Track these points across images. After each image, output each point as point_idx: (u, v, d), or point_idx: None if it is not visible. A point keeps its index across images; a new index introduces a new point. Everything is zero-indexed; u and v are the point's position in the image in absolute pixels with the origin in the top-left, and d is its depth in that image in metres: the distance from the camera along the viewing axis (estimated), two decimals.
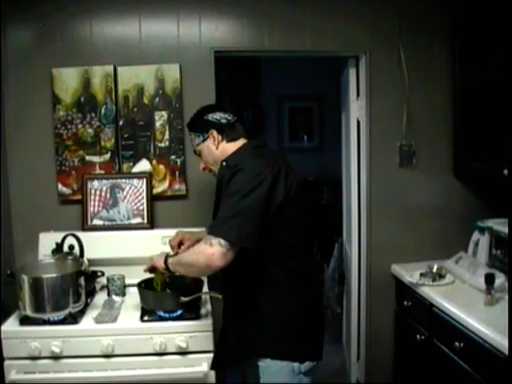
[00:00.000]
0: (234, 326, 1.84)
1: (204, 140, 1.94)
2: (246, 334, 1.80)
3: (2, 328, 1.99)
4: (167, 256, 1.90)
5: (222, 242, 1.62)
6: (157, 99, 2.57)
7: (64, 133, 2.55)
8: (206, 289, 2.15)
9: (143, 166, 2.61)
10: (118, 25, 2.56)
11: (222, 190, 1.83)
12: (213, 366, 1.94)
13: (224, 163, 1.88)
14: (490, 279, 2.11)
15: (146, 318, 2.07)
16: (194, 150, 2.02)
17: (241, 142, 1.93)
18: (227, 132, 1.93)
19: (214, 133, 1.91)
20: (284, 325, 1.77)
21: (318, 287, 2.00)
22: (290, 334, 1.78)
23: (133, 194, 2.58)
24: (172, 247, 2.21)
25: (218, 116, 1.94)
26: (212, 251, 1.62)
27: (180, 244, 2.21)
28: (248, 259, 1.70)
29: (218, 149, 1.92)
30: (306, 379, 1.80)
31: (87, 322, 2.05)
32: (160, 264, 1.90)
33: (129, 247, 2.46)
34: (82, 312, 2.10)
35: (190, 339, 2.01)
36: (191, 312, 2.07)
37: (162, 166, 2.61)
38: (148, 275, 2.08)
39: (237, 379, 2.11)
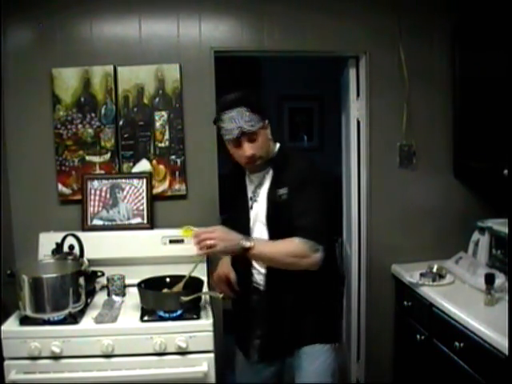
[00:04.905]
0: (290, 316, 1.89)
1: (263, 127, 1.82)
2: (303, 324, 1.89)
3: (2, 328, 1.99)
4: (249, 240, 1.72)
5: (321, 248, 1.75)
6: (157, 99, 2.57)
7: (64, 133, 2.55)
8: (205, 289, 2.15)
9: (143, 166, 2.61)
10: (118, 25, 2.56)
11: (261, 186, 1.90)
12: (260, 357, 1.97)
13: (273, 162, 1.88)
14: (490, 279, 2.11)
15: (145, 318, 2.07)
16: (242, 131, 1.74)
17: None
18: None
19: (268, 124, 1.86)
20: (333, 314, 2.00)
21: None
22: (337, 321, 2.06)
23: (133, 194, 2.58)
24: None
25: None
26: (318, 257, 1.75)
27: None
28: None
29: (272, 141, 1.90)
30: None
31: (87, 322, 2.05)
32: (232, 244, 1.70)
33: (129, 247, 2.46)
34: (82, 312, 2.10)
35: (189, 339, 2.01)
36: (191, 312, 2.07)
37: (161, 166, 2.61)
38: (148, 275, 2.07)
39: (235, 379, 2.12)
